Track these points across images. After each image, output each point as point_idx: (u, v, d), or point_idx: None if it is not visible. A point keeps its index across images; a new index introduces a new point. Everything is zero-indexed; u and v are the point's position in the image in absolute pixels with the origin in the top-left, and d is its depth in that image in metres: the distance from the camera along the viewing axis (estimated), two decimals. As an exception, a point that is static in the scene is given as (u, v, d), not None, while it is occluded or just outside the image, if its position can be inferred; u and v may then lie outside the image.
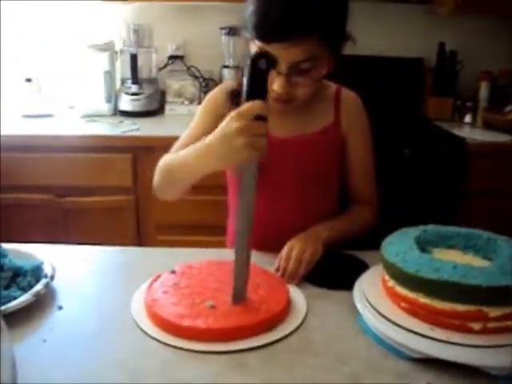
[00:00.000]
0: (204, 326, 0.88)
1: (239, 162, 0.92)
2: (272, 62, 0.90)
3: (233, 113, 0.91)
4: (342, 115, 1.29)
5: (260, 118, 0.89)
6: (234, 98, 1.25)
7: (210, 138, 0.97)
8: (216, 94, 1.33)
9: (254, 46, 1.11)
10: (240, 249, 0.95)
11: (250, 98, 0.89)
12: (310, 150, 1.27)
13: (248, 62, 0.87)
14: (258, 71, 0.87)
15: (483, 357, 0.80)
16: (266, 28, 1.07)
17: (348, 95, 1.33)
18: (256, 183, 0.92)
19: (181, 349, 0.85)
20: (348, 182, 1.35)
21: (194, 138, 1.19)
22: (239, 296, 0.96)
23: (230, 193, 1.39)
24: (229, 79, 1.34)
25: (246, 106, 0.89)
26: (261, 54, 0.89)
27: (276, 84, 1.11)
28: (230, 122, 0.91)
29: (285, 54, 1.07)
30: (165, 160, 1.22)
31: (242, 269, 0.96)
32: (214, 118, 1.24)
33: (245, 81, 0.89)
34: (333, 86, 1.32)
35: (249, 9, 1.10)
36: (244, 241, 0.95)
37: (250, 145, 0.89)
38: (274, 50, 1.06)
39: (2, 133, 2.21)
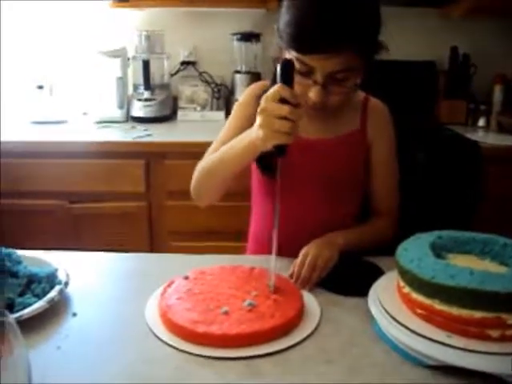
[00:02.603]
0: (219, 332, 0.87)
1: (261, 142, 1.01)
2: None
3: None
4: (369, 123, 1.30)
5: (287, 103, 0.97)
6: None
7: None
8: (246, 95, 1.33)
9: (289, 55, 1.12)
10: (276, 243, 1.02)
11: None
12: (335, 153, 1.27)
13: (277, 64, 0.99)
14: (286, 66, 0.99)
15: (502, 365, 0.78)
16: (303, 40, 1.07)
17: (376, 104, 1.33)
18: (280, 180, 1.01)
19: (195, 355, 0.85)
20: (370, 191, 1.35)
21: (226, 141, 1.21)
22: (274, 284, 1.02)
23: (255, 197, 1.39)
24: (258, 82, 1.36)
25: (271, 89, 0.98)
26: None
27: (312, 93, 1.12)
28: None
29: (321, 65, 1.08)
30: (203, 162, 1.26)
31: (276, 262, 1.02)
32: (245, 119, 1.25)
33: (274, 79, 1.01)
34: (360, 94, 1.32)
35: (283, 18, 1.10)
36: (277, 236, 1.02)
37: (267, 125, 0.97)
38: (311, 60, 1.08)
39: (16, 139, 2.24)
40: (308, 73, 1.11)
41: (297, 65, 1.09)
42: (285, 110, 0.96)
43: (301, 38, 1.07)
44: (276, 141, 0.98)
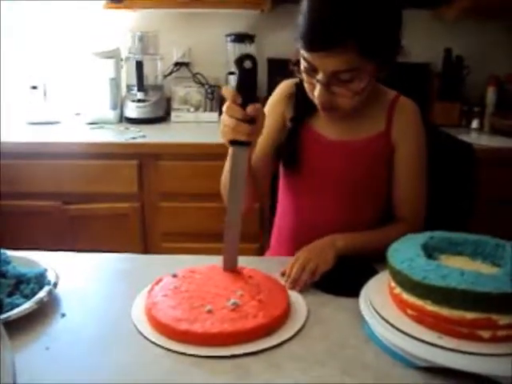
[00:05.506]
0: (201, 330, 0.87)
1: (224, 139, 1.03)
2: (256, 62, 0.97)
3: None
4: (394, 125, 1.25)
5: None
6: (291, 99, 1.30)
7: None
8: (277, 94, 1.34)
9: (300, 56, 1.14)
10: (232, 218, 1.06)
11: (238, 90, 0.98)
12: (356, 156, 1.25)
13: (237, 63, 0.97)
14: (244, 70, 0.97)
15: (493, 365, 0.78)
16: (305, 37, 1.09)
17: (403, 104, 1.28)
18: (246, 169, 1.03)
19: (177, 353, 0.85)
20: (392, 195, 1.30)
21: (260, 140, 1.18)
22: (230, 262, 1.08)
23: (279, 195, 1.39)
24: (288, 80, 1.35)
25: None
26: (245, 55, 0.97)
27: (316, 91, 1.13)
28: None
29: (322, 64, 1.09)
30: None
31: (233, 236, 1.07)
32: (277, 116, 1.30)
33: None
34: (391, 94, 1.29)
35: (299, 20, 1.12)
36: (236, 212, 1.06)
37: (227, 124, 0.99)
38: (314, 59, 1.09)
39: (9, 140, 2.22)
40: (313, 72, 1.12)
41: (304, 63, 1.13)
42: (239, 112, 0.97)
43: (304, 36, 1.09)
44: (227, 136, 1.01)
